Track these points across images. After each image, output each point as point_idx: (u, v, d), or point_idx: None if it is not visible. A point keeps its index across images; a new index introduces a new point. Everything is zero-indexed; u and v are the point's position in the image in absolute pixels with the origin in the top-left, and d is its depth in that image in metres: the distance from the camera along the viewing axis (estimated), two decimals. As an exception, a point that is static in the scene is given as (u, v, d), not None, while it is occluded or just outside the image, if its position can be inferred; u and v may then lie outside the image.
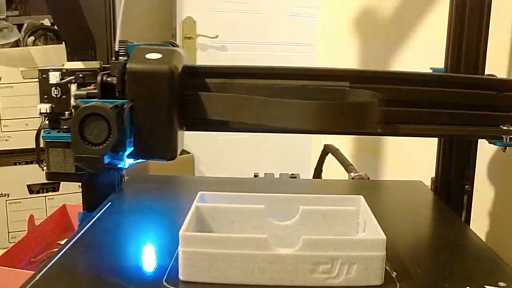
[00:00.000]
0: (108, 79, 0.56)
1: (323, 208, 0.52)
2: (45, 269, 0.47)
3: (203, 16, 2.27)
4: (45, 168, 0.67)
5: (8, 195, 1.53)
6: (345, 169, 0.89)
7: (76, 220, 0.70)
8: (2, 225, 1.53)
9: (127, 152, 0.55)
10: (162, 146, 0.56)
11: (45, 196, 1.57)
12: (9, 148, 1.51)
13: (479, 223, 0.78)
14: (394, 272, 0.47)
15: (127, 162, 0.57)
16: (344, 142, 1.23)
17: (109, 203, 0.66)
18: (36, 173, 1.48)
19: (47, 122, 0.64)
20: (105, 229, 0.59)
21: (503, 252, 0.56)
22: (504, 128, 0.63)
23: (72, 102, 0.63)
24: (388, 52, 1.10)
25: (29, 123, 1.49)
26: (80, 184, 0.70)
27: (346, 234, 0.51)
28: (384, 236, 0.44)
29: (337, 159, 0.93)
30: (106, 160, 0.52)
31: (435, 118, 0.63)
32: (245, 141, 2.34)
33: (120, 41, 0.58)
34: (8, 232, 1.54)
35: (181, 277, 0.45)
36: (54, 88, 0.65)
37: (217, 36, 2.28)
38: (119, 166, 0.56)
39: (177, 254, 0.45)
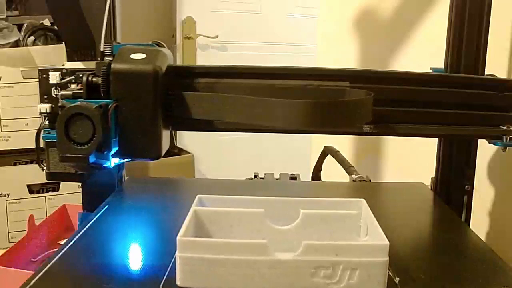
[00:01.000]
0: (93, 79, 0.57)
1: (324, 212, 0.51)
2: (45, 269, 0.47)
3: (203, 16, 2.27)
4: (45, 168, 0.67)
5: (8, 195, 1.53)
6: (346, 171, 0.88)
7: (76, 220, 0.70)
8: (2, 225, 1.53)
9: (112, 152, 0.55)
10: (146, 145, 0.57)
11: (45, 196, 1.57)
12: (9, 148, 1.51)
13: (479, 223, 0.78)
14: (397, 278, 0.47)
15: (113, 161, 0.57)
16: (343, 143, 1.23)
17: (109, 204, 0.66)
18: (36, 173, 1.48)
19: (47, 122, 0.64)
20: (105, 230, 0.59)
21: (504, 252, 0.56)
22: (504, 128, 0.63)
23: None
24: (388, 52, 1.10)
25: (29, 123, 1.49)
26: (80, 184, 0.70)
27: (347, 238, 0.50)
28: (387, 242, 0.43)
29: (337, 161, 0.92)
30: (92, 159, 0.53)
31: (435, 118, 0.63)
32: (245, 141, 2.34)
33: (105, 42, 0.58)
34: (8, 232, 1.54)
35: (178, 282, 0.43)
36: (54, 88, 0.65)
37: (217, 36, 2.28)
38: (104, 165, 0.56)
39: (175, 259, 0.44)
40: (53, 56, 1.48)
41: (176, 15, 2.24)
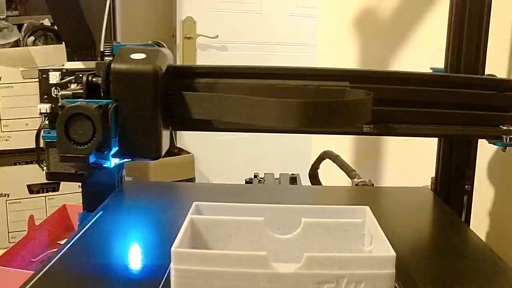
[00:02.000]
0: (93, 79, 0.57)
1: (326, 220, 0.49)
2: (45, 269, 0.47)
3: (203, 16, 2.27)
4: (45, 168, 0.67)
5: (8, 195, 1.53)
6: (347, 175, 0.86)
7: (76, 220, 0.70)
8: (2, 225, 1.53)
9: (112, 152, 0.55)
10: (146, 145, 0.57)
11: (45, 196, 1.57)
12: (9, 148, 1.51)
13: (479, 223, 0.78)
14: None
15: (113, 161, 0.57)
16: (343, 143, 1.23)
17: (109, 204, 0.66)
18: (36, 173, 1.48)
19: (47, 122, 0.64)
20: (104, 230, 0.59)
21: (504, 252, 0.56)
22: (504, 128, 0.63)
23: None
24: (388, 52, 1.10)
25: (29, 123, 1.49)
26: (80, 184, 0.70)
27: (351, 248, 0.49)
28: (393, 253, 0.41)
29: (338, 165, 0.90)
30: (91, 159, 0.53)
31: (435, 118, 0.63)
32: (245, 141, 2.34)
33: (105, 42, 0.58)
34: (8, 232, 1.54)
35: None
36: (54, 88, 0.65)
37: (217, 36, 2.28)
38: (104, 165, 0.56)
39: (169, 270, 0.42)
40: (53, 56, 1.48)
41: (176, 15, 2.24)
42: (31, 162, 1.52)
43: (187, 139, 2.18)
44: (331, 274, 0.40)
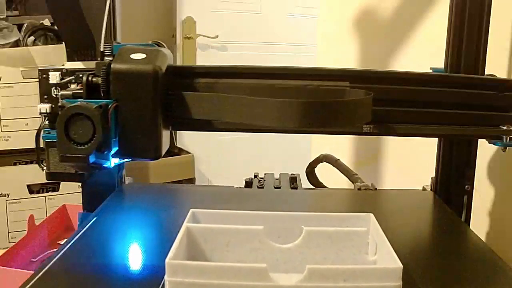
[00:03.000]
0: (93, 79, 0.57)
1: (329, 229, 0.47)
2: (45, 269, 0.47)
3: (203, 16, 2.27)
4: (45, 168, 0.67)
5: (8, 195, 1.53)
6: (349, 179, 0.83)
7: (76, 220, 0.70)
8: (2, 225, 1.53)
9: (112, 152, 0.55)
10: (146, 145, 0.57)
11: (45, 196, 1.57)
12: (9, 148, 1.51)
13: (479, 223, 0.78)
14: None
15: (113, 161, 0.57)
16: (343, 143, 1.23)
17: (109, 204, 0.66)
18: (36, 173, 1.48)
19: (47, 122, 0.64)
20: (104, 230, 0.59)
21: (504, 252, 0.56)
22: (504, 128, 0.63)
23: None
24: (388, 52, 1.10)
25: (29, 123, 1.49)
26: (80, 184, 0.70)
27: (355, 257, 0.47)
28: (400, 265, 0.40)
29: (339, 170, 0.88)
30: (91, 159, 0.53)
31: (435, 118, 0.63)
32: (245, 141, 2.34)
33: (105, 42, 0.58)
34: (8, 232, 1.54)
35: None
36: (54, 88, 0.65)
37: (217, 36, 2.28)
38: (104, 165, 0.57)
39: (164, 283, 0.40)
40: (53, 56, 1.48)
41: (176, 15, 2.24)
42: (31, 162, 1.52)
43: (187, 139, 2.18)
44: (335, 287, 0.38)
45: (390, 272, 0.39)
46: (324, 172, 0.96)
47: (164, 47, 0.63)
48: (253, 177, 0.88)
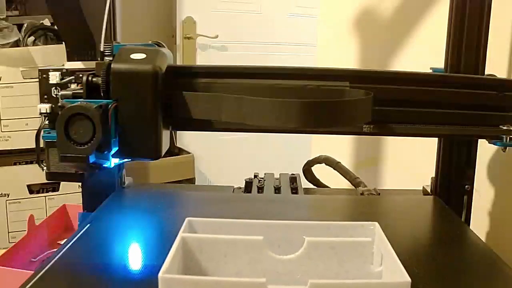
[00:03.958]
0: (93, 79, 0.57)
1: (332, 239, 0.45)
2: (45, 269, 0.47)
3: (203, 16, 2.27)
4: (45, 168, 0.67)
5: (8, 195, 1.53)
6: (351, 183, 0.81)
7: (76, 220, 0.70)
8: (2, 225, 1.53)
9: (112, 152, 0.55)
10: (146, 145, 0.57)
11: (45, 196, 1.57)
12: (9, 148, 1.51)
13: (479, 223, 0.78)
14: None
15: (113, 161, 0.57)
16: (343, 143, 1.23)
17: (109, 204, 0.66)
18: (36, 173, 1.48)
19: (47, 122, 0.64)
20: (104, 230, 0.59)
21: (504, 252, 0.56)
22: (504, 128, 0.63)
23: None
24: (388, 52, 1.10)
25: (29, 123, 1.49)
26: (80, 184, 0.70)
27: (359, 269, 0.44)
28: (408, 279, 0.38)
29: (340, 173, 0.86)
30: (91, 159, 0.53)
31: (435, 118, 0.63)
32: (245, 141, 2.34)
33: (105, 42, 0.58)
34: (8, 232, 1.54)
35: None
36: (54, 88, 0.65)
37: (217, 36, 2.28)
38: (104, 165, 0.57)
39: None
40: (53, 56, 1.48)
41: (176, 15, 2.24)
42: (31, 162, 1.52)
43: (187, 139, 2.18)
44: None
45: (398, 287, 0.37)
46: (324, 171, 0.96)
47: (164, 47, 0.63)
48: (253, 177, 0.88)
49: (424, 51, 0.99)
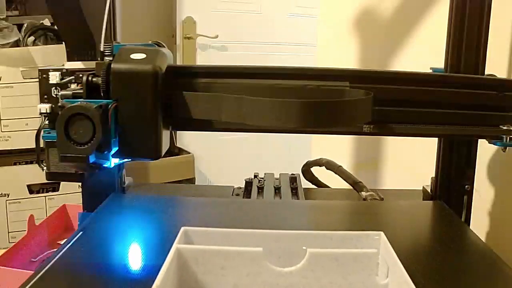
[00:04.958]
0: (93, 79, 0.57)
1: (335, 251, 0.43)
2: (45, 269, 0.47)
3: (203, 16, 2.27)
4: (45, 168, 0.67)
5: (8, 195, 1.53)
6: (353, 187, 0.80)
7: (76, 220, 0.70)
8: (2, 225, 1.53)
9: (112, 152, 0.55)
10: (146, 145, 0.57)
11: (45, 196, 1.57)
12: (9, 148, 1.51)
13: (479, 223, 0.78)
14: None
15: (113, 161, 0.57)
16: (343, 143, 1.23)
17: (109, 204, 0.66)
18: (36, 173, 1.48)
19: (47, 122, 0.64)
20: (104, 230, 0.59)
21: (504, 252, 0.56)
22: (504, 128, 0.63)
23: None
24: (388, 52, 1.10)
25: (29, 123, 1.49)
26: (80, 184, 0.70)
27: (364, 282, 0.42)
28: None
29: (341, 177, 0.84)
30: (91, 159, 0.53)
31: (435, 118, 0.63)
32: (245, 141, 2.34)
33: (105, 42, 0.58)
34: (8, 232, 1.54)
35: None
36: (54, 88, 0.65)
37: (217, 36, 2.28)
38: (104, 165, 0.57)
39: None
40: (53, 56, 1.48)
41: (176, 15, 2.24)
42: (31, 162, 1.52)
43: (187, 139, 2.18)
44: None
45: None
46: (324, 170, 0.96)
47: (164, 47, 0.63)
48: (253, 177, 0.89)
49: (424, 51, 0.99)
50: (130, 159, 0.60)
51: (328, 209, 0.71)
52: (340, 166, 0.86)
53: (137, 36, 0.79)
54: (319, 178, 0.94)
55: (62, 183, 1.56)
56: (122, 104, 0.55)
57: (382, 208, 0.71)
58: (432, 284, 0.47)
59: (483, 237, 0.78)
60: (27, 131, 1.48)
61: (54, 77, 0.64)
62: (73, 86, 0.62)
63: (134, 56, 0.56)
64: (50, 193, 1.57)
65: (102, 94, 0.56)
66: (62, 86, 0.64)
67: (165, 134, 0.59)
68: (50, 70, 0.65)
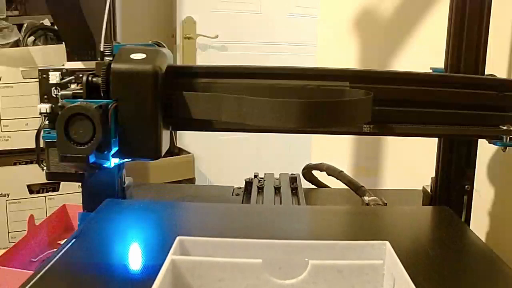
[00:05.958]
0: (93, 79, 0.57)
1: (339, 262, 0.41)
2: (45, 269, 0.47)
3: (203, 16, 2.27)
4: (45, 168, 0.67)
5: (8, 195, 1.53)
6: (355, 193, 0.79)
7: (76, 220, 0.70)
8: (2, 225, 1.53)
9: (112, 152, 0.56)
10: (146, 145, 0.57)
11: (45, 196, 1.57)
12: (9, 148, 1.51)
13: (479, 223, 0.78)
14: None
15: (113, 161, 0.57)
16: (342, 143, 1.23)
17: (103, 211, 0.65)
18: (36, 173, 1.48)
19: (47, 122, 0.64)
20: (104, 231, 0.59)
21: (504, 253, 0.56)
22: (504, 128, 0.63)
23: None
24: (388, 52, 1.10)
25: (29, 123, 1.49)
26: (80, 184, 0.70)
27: None
28: None
29: (343, 182, 0.83)
30: (91, 159, 0.53)
31: (435, 118, 0.63)
32: (245, 141, 2.34)
33: (105, 42, 0.58)
34: (8, 232, 1.54)
35: None
36: (54, 88, 0.65)
37: (217, 36, 2.28)
38: (104, 165, 0.57)
39: None
40: (53, 56, 1.48)
41: (176, 15, 2.24)
42: (31, 162, 1.52)
43: (187, 139, 2.18)
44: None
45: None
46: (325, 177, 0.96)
47: (164, 47, 0.63)
48: (253, 177, 0.89)
49: (424, 51, 0.99)
50: (130, 159, 0.60)
51: (330, 215, 0.69)
52: (341, 171, 0.85)
53: (137, 36, 0.79)
54: (319, 178, 0.94)
55: (62, 183, 1.56)
56: (122, 104, 0.55)
57: (386, 214, 0.69)
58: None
59: (483, 237, 0.78)
60: (27, 131, 1.48)
61: (54, 77, 0.64)
62: (73, 86, 0.62)
63: (134, 56, 0.56)
64: (50, 193, 1.57)
65: (102, 94, 0.56)
66: (62, 86, 0.64)
67: (165, 134, 0.59)
68: (50, 70, 0.65)
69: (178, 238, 0.43)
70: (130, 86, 0.55)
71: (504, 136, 0.63)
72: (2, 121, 1.49)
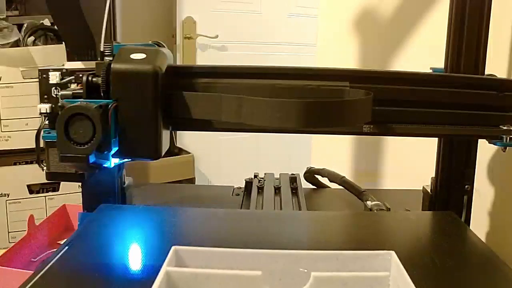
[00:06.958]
0: (93, 79, 0.57)
1: (343, 274, 0.39)
2: (45, 269, 0.47)
3: (203, 16, 2.27)
4: (45, 168, 0.67)
5: (8, 195, 1.54)
6: (358, 198, 0.78)
7: (76, 220, 0.70)
8: (2, 225, 1.53)
9: (112, 152, 0.55)
10: (146, 145, 0.57)
11: (45, 196, 1.57)
12: (9, 148, 1.51)
13: (479, 223, 0.78)
14: None
15: (113, 161, 0.57)
16: (342, 142, 1.23)
17: (96, 217, 0.64)
18: (36, 173, 1.48)
19: (47, 122, 0.64)
20: (104, 231, 0.59)
21: (504, 253, 0.56)
22: (504, 128, 0.63)
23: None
24: (388, 52, 1.10)
25: (29, 123, 1.49)
26: (80, 184, 0.70)
27: None
28: None
29: (345, 187, 0.83)
30: (91, 159, 0.53)
31: (435, 118, 0.63)
32: (245, 141, 2.34)
33: (105, 42, 0.58)
34: (8, 232, 1.54)
35: None
36: (54, 88, 0.65)
37: (217, 36, 2.28)
38: (104, 165, 0.57)
39: None
40: (53, 56, 1.48)
41: (176, 15, 2.24)
42: (31, 162, 1.52)
43: (187, 139, 2.18)
44: None
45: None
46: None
47: (164, 47, 0.63)
48: (253, 177, 0.89)
49: (424, 51, 0.99)
50: (130, 159, 0.60)
51: (332, 221, 0.67)
52: (343, 177, 0.85)
53: (137, 36, 0.79)
54: (321, 180, 0.94)
55: (62, 183, 1.56)
56: (122, 104, 0.55)
57: (390, 221, 0.67)
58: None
59: (483, 237, 0.78)
60: (27, 131, 1.48)
61: (54, 77, 0.64)
62: (73, 86, 0.62)
63: (134, 56, 0.56)
64: (50, 193, 1.57)
65: (102, 94, 0.56)
66: (62, 86, 0.64)
67: (165, 134, 0.59)
68: (50, 70, 0.65)
69: (173, 248, 0.41)
70: (130, 86, 0.55)
71: (504, 136, 0.63)
72: (2, 121, 1.49)
